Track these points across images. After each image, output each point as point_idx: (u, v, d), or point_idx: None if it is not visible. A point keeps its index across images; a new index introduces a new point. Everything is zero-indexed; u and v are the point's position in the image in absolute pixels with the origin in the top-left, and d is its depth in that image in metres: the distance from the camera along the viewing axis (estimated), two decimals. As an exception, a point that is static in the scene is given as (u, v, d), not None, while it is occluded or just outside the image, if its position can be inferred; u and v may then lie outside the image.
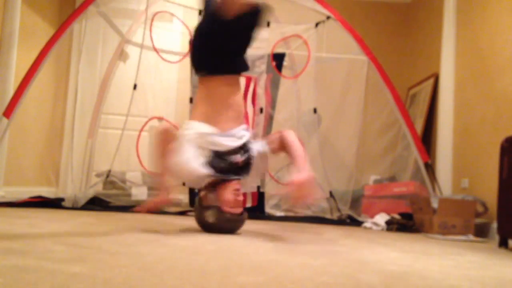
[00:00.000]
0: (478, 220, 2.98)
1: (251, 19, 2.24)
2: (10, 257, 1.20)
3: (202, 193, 2.27)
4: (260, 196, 3.68)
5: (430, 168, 3.63)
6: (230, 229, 2.17)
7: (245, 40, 2.31)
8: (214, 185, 2.20)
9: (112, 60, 4.11)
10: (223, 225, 2.14)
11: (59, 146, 4.48)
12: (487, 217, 3.03)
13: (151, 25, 3.91)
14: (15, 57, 3.66)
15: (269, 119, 3.87)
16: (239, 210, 2.16)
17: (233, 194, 2.13)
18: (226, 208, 2.12)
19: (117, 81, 4.13)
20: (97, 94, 4.10)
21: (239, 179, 2.20)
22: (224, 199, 2.13)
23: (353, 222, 3.52)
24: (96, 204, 3.48)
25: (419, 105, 4.29)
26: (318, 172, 3.89)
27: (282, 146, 2.17)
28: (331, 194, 3.81)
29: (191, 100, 3.91)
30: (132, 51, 4.09)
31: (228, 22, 2.16)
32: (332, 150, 4.03)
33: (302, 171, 1.95)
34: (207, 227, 2.18)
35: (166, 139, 2.14)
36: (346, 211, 3.70)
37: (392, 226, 3.12)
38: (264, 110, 3.79)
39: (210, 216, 2.14)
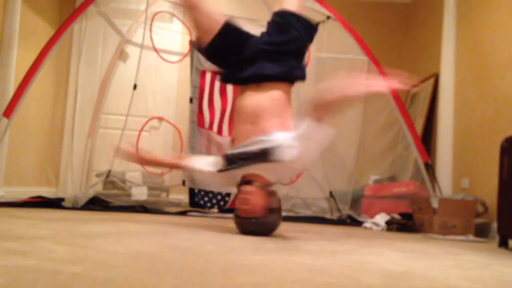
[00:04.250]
0: (478, 220, 2.98)
1: None
2: (10, 257, 1.20)
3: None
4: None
5: (430, 168, 3.63)
6: (253, 231, 2.12)
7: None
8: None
9: (112, 60, 4.11)
10: (242, 227, 2.16)
11: (59, 146, 4.48)
12: (487, 217, 3.03)
13: (151, 25, 3.91)
14: (15, 57, 3.66)
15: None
16: (251, 214, 2.09)
17: (241, 204, 2.12)
18: (239, 213, 2.15)
19: (117, 81, 4.12)
20: (97, 94, 4.10)
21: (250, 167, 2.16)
22: (237, 206, 2.22)
23: (353, 222, 3.52)
24: (96, 204, 3.48)
25: (419, 105, 4.29)
26: (318, 172, 3.89)
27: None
28: (331, 194, 3.81)
29: (191, 100, 3.91)
30: (132, 51, 4.09)
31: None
32: (332, 150, 4.03)
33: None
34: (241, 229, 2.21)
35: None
36: (346, 211, 3.70)
37: (392, 226, 3.12)
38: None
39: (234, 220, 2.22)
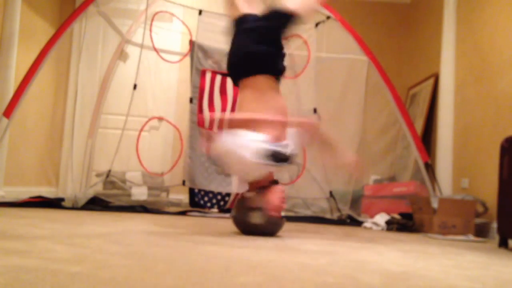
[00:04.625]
0: (478, 220, 2.98)
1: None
2: (10, 257, 1.20)
3: (247, 194, 2.26)
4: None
5: (430, 168, 3.63)
6: (272, 232, 2.22)
7: None
8: (261, 188, 2.21)
9: (112, 60, 4.11)
10: (267, 227, 2.19)
11: (59, 146, 4.48)
12: (487, 217, 3.03)
13: (151, 25, 3.91)
14: (15, 57, 3.66)
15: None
16: (280, 214, 2.23)
17: (279, 200, 2.17)
18: (272, 212, 2.15)
19: (117, 81, 4.12)
20: (97, 94, 4.10)
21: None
22: (271, 203, 2.15)
23: (353, 222, 3.52)
24: (96, 204, 3.48)
25: (419, 105, 4.29)
26: (318, 172, 3.90)
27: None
28: (331, 194, 3.81)
29: (191, 100, 3.91)
30: (132, 51, 4.09)
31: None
32: (332, 150, 4.03)
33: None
34: (248, 228, 2.19)
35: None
36: (346, 211, 3.70)
37: (392, 226, 3.12)
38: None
39: (256, 218, 2.17)
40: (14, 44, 3.64)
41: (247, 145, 2.04)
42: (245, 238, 2.03)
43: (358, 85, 3.97)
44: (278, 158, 2.08)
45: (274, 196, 2.17)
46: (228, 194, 3.86)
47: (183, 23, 4.16)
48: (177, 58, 4.19)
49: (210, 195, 3.89)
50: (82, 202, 3.38)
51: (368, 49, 3.80)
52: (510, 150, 2.38)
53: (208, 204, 3.88)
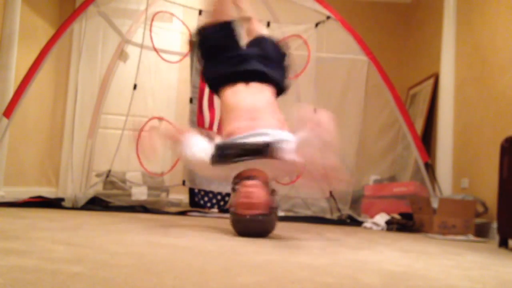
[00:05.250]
0: (478, 220, 2.98)
1: None
2: (10, 257, 1.20)
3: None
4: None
5: (430, 168, 3.63)
6: (264, 231, 2.03)
7: None
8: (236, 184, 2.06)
9: (112, 60, 4.11)
10: (237, 226, 2.02)
11: (59, 146, 4.48)
12: (487, 217, 3.03)
13: (151, 25, 3.91)
14: (15, 57, 3.66)
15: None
16: (253, 209, 1.94)
17: (244, 197, 1.95)
18: (239, 210, 1.96)
19: (117, 81, 4.13)
20: (97, 94, 4.10)
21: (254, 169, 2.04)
22: (235, 202, 1.99)
23: (353, 222, 3.52)
24: (96, 204, 3.48)
25: (419, 105, 4.29)
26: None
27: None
28: (331, 194, 3.81)
29: (191, 100, 3.91)
30: (132, 51, 4.09)
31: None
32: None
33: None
34: (238, 229, 2.06)
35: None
36: (346, 211, 3.70)
37: (392, 226, 3.12)
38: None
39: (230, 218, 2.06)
40: (14, 44, 3.64)
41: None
42: (244, 238, 2.02)
43: (358, 85, 3.97)
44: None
45: (238, 194, 1.98)
46: (228, 194, 3.86)
47: (183, 23, 4.16)
48: (177, 58, 4.19)
49: (210, 195, 3.90)
50: (82, 202, 3.38)
51: (368, 49, 3.80)
52: (510, 150, 2.37)
53: (208, 204, 3.88)
